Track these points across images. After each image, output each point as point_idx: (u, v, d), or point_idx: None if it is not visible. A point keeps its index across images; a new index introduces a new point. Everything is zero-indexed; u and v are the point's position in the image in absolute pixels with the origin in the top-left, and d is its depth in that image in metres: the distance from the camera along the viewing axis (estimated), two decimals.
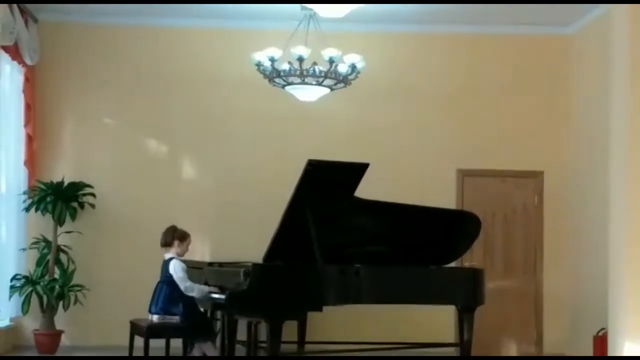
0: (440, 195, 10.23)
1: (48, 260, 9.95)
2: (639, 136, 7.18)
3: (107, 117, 10.62)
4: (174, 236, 7.98)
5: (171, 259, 7.89)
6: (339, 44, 9.05)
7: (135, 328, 8.03)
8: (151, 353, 7.78)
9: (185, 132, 10.62)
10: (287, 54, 8.90)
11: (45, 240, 10.03)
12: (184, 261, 7.96)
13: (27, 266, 10.05)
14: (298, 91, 9.21)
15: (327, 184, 7.38)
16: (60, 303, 9.82)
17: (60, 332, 9.91)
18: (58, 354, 9.76)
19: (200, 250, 10.17)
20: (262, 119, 10.61)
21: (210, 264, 8.77)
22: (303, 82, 8.96)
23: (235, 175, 10.55)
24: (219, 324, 8.92)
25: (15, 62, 9.82)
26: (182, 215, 9.86)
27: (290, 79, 8.99)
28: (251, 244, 8.93)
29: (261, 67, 9.05)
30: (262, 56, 8.99)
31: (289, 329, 8.38)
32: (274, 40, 9.18)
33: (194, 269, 8.18)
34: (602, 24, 9.21)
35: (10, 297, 9.69)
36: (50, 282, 9.77)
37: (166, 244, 7.99)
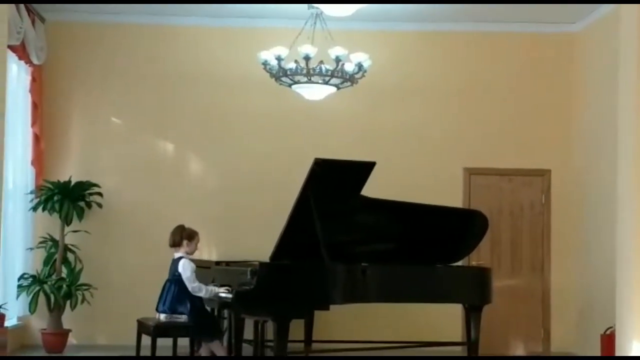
0: (447, 193, 10.23)
1: (55, 260, 9.96)
2: None
3: (114, 117, 10.63)
4: (183, 235, 7.98)
5: (180, 258, 7.88)
6: (346, 42, 9.04)
7: (143, 327, 8.04)
8: (158, 352, 7.79)
9: (191, 131, 10.62)
10: (294, 52, 8.90)
11: (52, 239, 10.04)
12: (193, 260, 7.97)
13: (34, 265, 10.07)
14: (304, 90, 9.20)
15: (334, 183, 7.39)
16: (68, 302, 9.82)
17: (67, 332, 9.92)
18: (65, 353, 9.77)
19: (207, 250, 10.18)
20: (269, 118, 10.60)
21: (218, 263, 8.79)
22: (309, 81, 8.96)
23: (242, 174, 10.55)
24: (226, 323, 8.93)
25: (22, 62, 9.84)
26: (189, 214, 9.84)
27: (297, 78, 8.99)
28: (258, 243, 8.94)
29: (268, 66, 9.05)
30: (268, 55, 8.98)
31: (296, 328, 8.38)
32: (280, 39, 9.19)
33: (201, 268, 8.18)
34: (609, 22, 9.20)
35: (17, 296, 9.71)
36: (58, 281, 9.79)
37: (175, 243, 7.99)
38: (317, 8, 9.03)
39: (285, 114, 10.53)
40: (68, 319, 9.93)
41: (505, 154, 10.62)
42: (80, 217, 10.02)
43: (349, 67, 8.96)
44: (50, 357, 9.62)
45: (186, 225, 8.08)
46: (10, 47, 8.89)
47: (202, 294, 7.76)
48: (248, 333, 8.47)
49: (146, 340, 7.86)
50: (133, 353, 8.12)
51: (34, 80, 10.05)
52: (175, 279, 7.85)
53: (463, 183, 10.60)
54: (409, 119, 10.66)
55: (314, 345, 9.42)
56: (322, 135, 10.46)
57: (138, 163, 10.55)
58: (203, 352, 8.15)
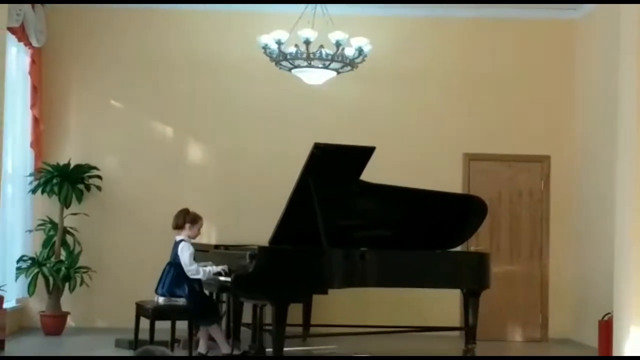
0: (447, 179, 10.22)
1: (54, 242, 9.97)
2: None
3: (113, 99, 10.62)
4: (186, 219, 7.99)
5: (181, 241, 7.90)
6: (346, 27, 9.01)
7: (141, 310, 8.05)
8: (157, 335, 7.80)
9: (191, 114, 10.61)
10: (294, 37, 8.87)
11: (51, 222, 10.04)
12: (192, 244, 7.97)
13: (33, 248, 10.08)
14: (305, 74, 9.18)
15: (334, 168, 7.40)
16: (66, 285, 9.84)
17: (66, 314, 9.94)
18: (64, 335, 9.78)
19: (207, 233, 10.16)
20: (269, 102, 10.59)
21: (217, 246, 8.80)
22: (310, 65, 8.93)
23: (242, 158, 10.55)
24: (224, 307, 8.94)
25: (21, 44, 9.81)
26: (188, 197, 9.86)
27: (297, 62, 8.96)
28: (257, 227, 8.94)
29: (268, 50, 9.02)
30: (268, 39, 8.95)
31: (295, 312, 8.40)
32: (280, 23, 9.15)
33: (200, 252, 8.19)
34: (610, 8, 9.17)
35: (16, 278, 9.72)
36: (57, 263, 9.80)
37: (177, 226, 8.01)
38: None
39: (285, 98, 10.52)
40: (67, 301, 9.94)
41: (505, 140, 10.60)
42: (80, 199, 10.02)
43: (349, 52, 8.94)
44: (49, 340, 9.62)
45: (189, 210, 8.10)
46: (9, 29, 8.87)
47: (199, 276, 7.78)
48: (247, 317, 8.50)
49: (144, 323, 7.89)
50: (131, 336, 8.14)
51: (33, 62, 10.03)
52: (174, 262, 7.86)
53: (462, 168, 10.60)
54: (409, 104, 10.65)
55: (312, 329, 9.45)
56: (321, 120, 10.45)
57: (137, 146, 10.54)
58: (201, 335, 8.17)
